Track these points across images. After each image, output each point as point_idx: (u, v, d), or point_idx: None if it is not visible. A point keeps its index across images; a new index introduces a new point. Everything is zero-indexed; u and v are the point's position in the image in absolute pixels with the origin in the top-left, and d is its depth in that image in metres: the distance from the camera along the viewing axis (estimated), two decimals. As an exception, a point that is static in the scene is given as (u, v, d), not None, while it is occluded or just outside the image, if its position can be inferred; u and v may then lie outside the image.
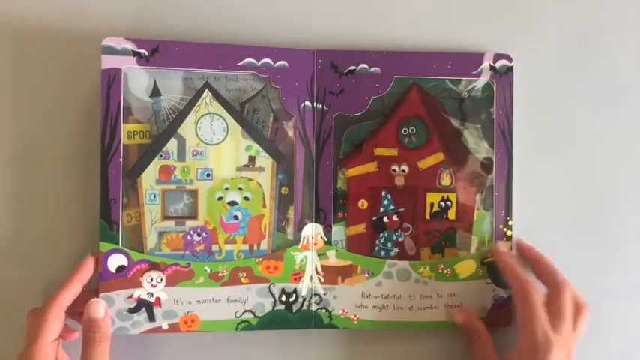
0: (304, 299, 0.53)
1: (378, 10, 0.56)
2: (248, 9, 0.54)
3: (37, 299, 0.51)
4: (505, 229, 0.55)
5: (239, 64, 0.52)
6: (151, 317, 0.51)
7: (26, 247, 0.52)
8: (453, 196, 0.55)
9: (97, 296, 0.50)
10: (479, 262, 0.54)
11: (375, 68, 0.54)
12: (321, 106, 0.53)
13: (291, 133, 0.53)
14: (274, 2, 0.55)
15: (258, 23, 0.54)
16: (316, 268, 0.53)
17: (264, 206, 0.53)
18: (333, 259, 0.53)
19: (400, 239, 0.55)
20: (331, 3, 0.55)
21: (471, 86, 0.55)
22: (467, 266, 0.54)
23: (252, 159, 0.53)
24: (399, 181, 0.54)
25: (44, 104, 0.52)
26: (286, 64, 0.53)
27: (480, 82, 0.55)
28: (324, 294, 0.53)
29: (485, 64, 0.54)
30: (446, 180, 0.55)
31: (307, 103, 0.53)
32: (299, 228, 0.53)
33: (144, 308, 0.51)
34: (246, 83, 0.53)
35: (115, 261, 0.50)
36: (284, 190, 0.54)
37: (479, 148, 0.55)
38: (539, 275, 0.52)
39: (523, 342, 0.49)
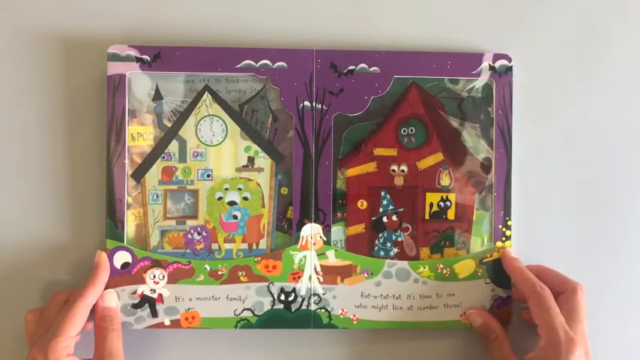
0: (303, 299, 0.53)
1: (377, 9, 0.56)
2: (247, 11, 0.55)
3: (37, 299, 0.54)
4: (504, 229, 0.54)
5: (237, 66, 0.53)
6: (154, 313, 0.53)
7: (29, 247, 0.54)
8: (452, 196, 0.54)
9: (103, 292, 0.52)
10: (478, 262, 0.54)
11: (375, 68, 0.54)
12: (320, 106, 0.54)
13: (290, 134, 0.54)
14: (274, 4, 0.55)
15: (257, 25, 0.55)
16: (315, 268, 0.54)
17: (263, 206, 0.54)
18: (332, 259, 0.54)
19: (399, 239, 0.54)
20: (330, 3, 0.56)
21: (470, 86, 0.54)
22: (466, 266, 0.54)
23: (251, 159, 0.54)
24: (399, 181, 0.54)
25: (52, 108, 0.54)
26: (285, 64, 0.53)
27: (480, 82, 0.54)
28: (324, 294, 0.53)
29: (485, 64, 0.54)
30: (445, 180, 0.54)
31: (306, 103, 0.54)
32: (298, 228, 0.54)
33: (147, 304, 0.52)
34: (246, 84, 0.54)
35: (120, 258, 0.52)
36: (283, 190, 0.54)
37: (478, 148, 0.54)
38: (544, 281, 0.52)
39: (545, 342, 0.48)
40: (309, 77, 0.54)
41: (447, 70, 0.54)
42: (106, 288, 0.51)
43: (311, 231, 0.54)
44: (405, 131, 0.54)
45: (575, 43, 0.57)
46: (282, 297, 0.53)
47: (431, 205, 0.54)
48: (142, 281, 0.52)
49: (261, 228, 0.54)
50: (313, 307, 0.53)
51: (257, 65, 0.53)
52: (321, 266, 0.54)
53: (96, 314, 0.50)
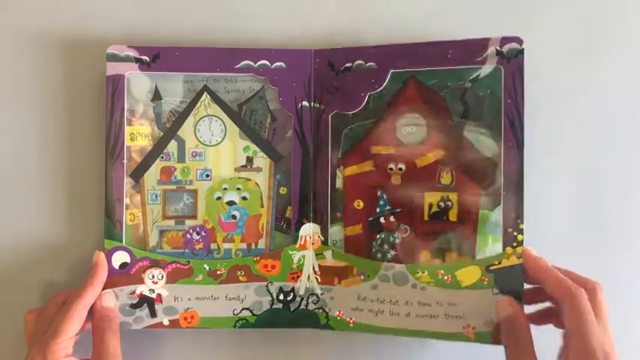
0: (302, 298, 0.53)
1: (377, 8, 0.55)
2: (246, 11, 0.55)
3: (36, 299, 0.54)
4: (516, 233, 0.49)
5: (236, 66, 0.53)
6: (153, 313, 0.52)
7: (28, 247, 0.55)
8: (453, 196, 0.51)
9: (101, 292, 0.52)
10: (484, 270, 0.49)
11: (371, 63, 0.52)
12: (318, 105, 0.53)
13: (288, 134, 0.54)
14: (273, 4, 0.55)
15: (256, 25, 0.55)
16: (314, 268, 0.53)
17: (262, 206, 0.54)
18: (329, 259, 0.53)
19: (397, 241, 0.52)
20: (330, 3, 0.55)
21: (474, 75, 0.50)
22: (470, 273, 0.50)
23: (250, 159, 0.54)
24: (396, 180, 0.52)
25: (51, 108, 0.55)
26: (284, 65, 0.53)
27: (485, 70, 0.50)
28: (321, 294, 0.52)
29: (491, 49, 0.49)
30: (446, 178, 0.52)
31: (305, 103, 0.53)
32: (297, 227, 0.53)
33: (145, 304, 0.52)
34: (244, 85, 0.54)
35: (119, 258, 0.53)
36: (282, 190, 0.54)
37: (483, 142, 0.50)
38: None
39: (576, 350, 0.44)
40: (307, 77, 0.53)
41: (448, 60, 0.50)
42: (104, 288, 0.51)
43: (310, 231, 0.53)
44: (403, 128, 0.52)
45: (575, 43, 0.54)
46: (281, 296, 0.53)
47: (430, 205, 0.52)
48: (141, 281, 0.53)
49: (260, 228, 0.54)
50: (311, 306, 0.52)
51: (256, 65, 0.53)
52: (320, 266, 0.53)
53: (94, 314, 0.50)
